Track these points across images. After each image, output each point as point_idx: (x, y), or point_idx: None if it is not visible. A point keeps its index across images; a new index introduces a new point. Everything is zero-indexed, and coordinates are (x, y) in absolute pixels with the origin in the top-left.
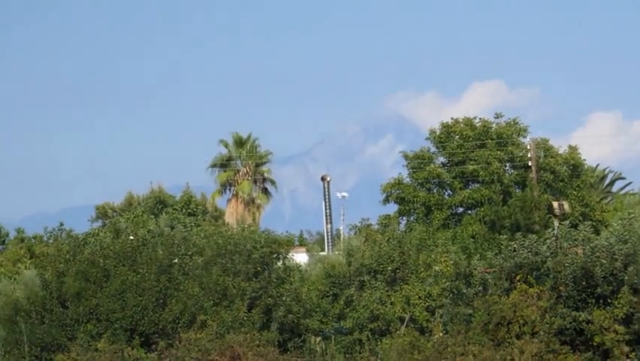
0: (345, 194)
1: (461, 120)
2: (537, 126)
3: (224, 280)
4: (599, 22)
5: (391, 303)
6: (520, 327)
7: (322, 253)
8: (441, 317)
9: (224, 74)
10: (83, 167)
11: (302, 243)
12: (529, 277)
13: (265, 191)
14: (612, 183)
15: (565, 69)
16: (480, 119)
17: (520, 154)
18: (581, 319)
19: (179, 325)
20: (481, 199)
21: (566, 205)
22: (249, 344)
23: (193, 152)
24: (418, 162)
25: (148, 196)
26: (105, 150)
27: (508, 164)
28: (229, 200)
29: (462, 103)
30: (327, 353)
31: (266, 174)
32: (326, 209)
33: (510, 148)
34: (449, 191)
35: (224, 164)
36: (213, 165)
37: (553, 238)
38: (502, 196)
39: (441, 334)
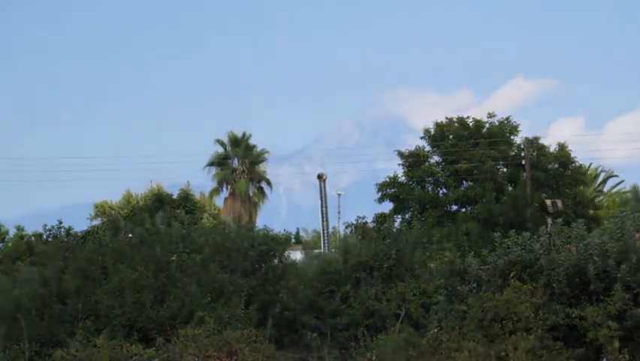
0: (341, 192)
1: (455, 120)
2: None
3: (221, 277)
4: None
5: (387, 300)
6: (513, 323)
7: (318, 251)
8: (436, 314)
9: (221, 73)
10: (82, 165)
11: (298, 240)
12: (522, 274)
13: (261, 189)
14: (605, 181)
15: None
16: (473, 118)
17: (513, 153)
18: (574, 315)
19: (177, 321)
20: (475, 197)
21: (559, 203)
22: (245, 340)
23: (191, 151)
24: (412, 160)
25: (146, 194)
26: (104, 149)
27: (501, 162)
28: (226, 198)
29: (462, 102)
30: (323, 349)
31: (262, 173)
32: (322, 207)
33: (503, 147)
34: (444, 189)
35: (220, 163)
36: (210, 164)
37: (547, 236)
38: (495, 194)
39: (436, 330)
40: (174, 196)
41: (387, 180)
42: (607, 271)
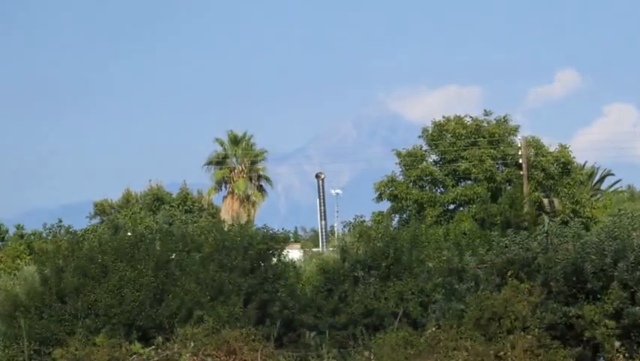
0: (339, 191)
1: (452, 119)
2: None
3: (220, 276)
4: None
5: (385, 298)
6: (511, 322)
7: (316, 250)
8: (434, 312)
9: (220, 73)
10: (81, 164)
11: (296, 239)
12: (520, 272)
13: (260, 188)
14: (602, 180)
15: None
16: (471, 117)
17: (512, 152)
18: (571, 314)
19: (176, 320)
20: (473, 196)
21: (557, 202)
22: (244, 339)
23: (190, 150)
24: (410, 159)
25: (146, 193)
26: (104, 148)
27: (500, 162)
28: (225, 197)
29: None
30: (321, 348)
31: (261, 172)
32: (320, 206)
33: (502, 148)
34: (441, 188)
35: (219, 162)
36: (209, 163)
37: (544, 235)
38: (490, 193)
39: (434, 329)
40: (174, 195)
41: (385, 179)
42: (604, 269)
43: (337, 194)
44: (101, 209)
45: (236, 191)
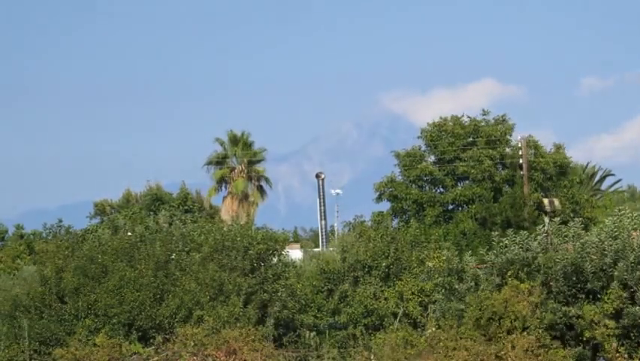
0: (339, 191)
1: (449, 119)
2: None
3: (220, 276)
4: None
5: (385, 298)
6: (511, 322)
7: (316, 250)
8: (434, 312)
9: (220, 73)
10: (81, 164)
11: (296, 239)
12: (520, 272)
13: (260, 188)
14: (602, 180)
15: None
16: (468, 117)
17: (510, 152)
18: (571, 314)
19: (176, 320)
20: (472, 196)
21: (557, 202)
22: (244, 339)
23: (189, 150)
24: (409, 160)
25: (145, 193)
26: (104, 148)
27: (498, 162)
28: (224, 197)
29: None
30: (321, 348)
31: (261, 172)
32: (320, 206)
33: (501, 148)
34: (441, 188)
35: (219, 162)
36: (209, 163)
37: (544, 235)
38: (492, 193)
39: (434, 329)
40: (174, 195)
41: (385, 179)
42: (604, 269)
43: (337, 194)
44: (101, 209)
45: (235, 191)
